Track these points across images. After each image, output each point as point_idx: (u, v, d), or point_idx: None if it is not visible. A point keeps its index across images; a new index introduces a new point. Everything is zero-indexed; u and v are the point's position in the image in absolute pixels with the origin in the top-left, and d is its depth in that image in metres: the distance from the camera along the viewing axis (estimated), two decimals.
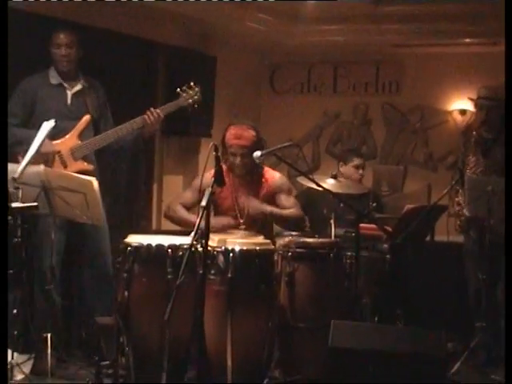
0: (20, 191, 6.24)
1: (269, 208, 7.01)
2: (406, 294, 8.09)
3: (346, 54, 10.82)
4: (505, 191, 4.73)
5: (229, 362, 6.16)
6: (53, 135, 7.00)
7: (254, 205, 6.93)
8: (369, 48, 10.60)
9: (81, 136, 7.25)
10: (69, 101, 7.41)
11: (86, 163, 7.22)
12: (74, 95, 7.42)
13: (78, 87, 7.44)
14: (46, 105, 7.30)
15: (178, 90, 7.29)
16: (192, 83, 7.37)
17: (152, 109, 7.28)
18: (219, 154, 6.07)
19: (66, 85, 7.41)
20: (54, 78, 7.39)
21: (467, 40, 10.20)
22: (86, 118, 7.29)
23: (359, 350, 5.87)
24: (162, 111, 7.28)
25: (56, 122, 6.67)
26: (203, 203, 5.95)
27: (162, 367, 6.16)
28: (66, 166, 7.08)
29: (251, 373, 6.20)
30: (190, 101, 7.32)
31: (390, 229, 7.82)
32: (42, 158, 6.94)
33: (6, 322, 4.79)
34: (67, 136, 7.21)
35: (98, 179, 6.90)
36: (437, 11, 9.47)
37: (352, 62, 11.00)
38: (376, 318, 7.63)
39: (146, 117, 7.26)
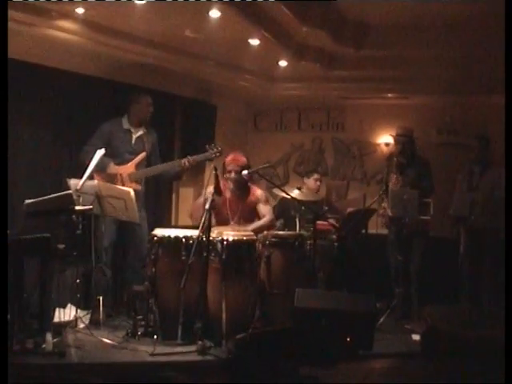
0: (80, 198, 6.30)
1: (253, 226, 7.08)
2: (348, 269, 8.09)
3: (307, 103, 10.80)
4: (505, 192, 4.63)
5: (223, 317, 6.22)
6: (119, 162, 7.35)
7: (246, 227, 6.98)
8: (322, 99, 10.60)
9: (137, 166, 7.39)
10: (133, 141, 7.53)
11: (138, 185, 7.30)
12: (137, 138, 7.53)
13: (140, 132, 7.56)
14: (117, 142, 7.44)
15: (207, 146, 7.34)
16: (218, 145, 7.43)
17: (188, 156, 7.38)
18: (217, 172, 6.43)
19: (132, 130, 7.53)
20: (126, 124, 7.52)
21: (389, 95, 10.22)
22: (143, 154, 7.45)
23: (315, 309, 5.91)
24: (195, 159, 7.34)
25: (106, 150, 6.86)
26: (207, 207, 6.06)
27: (178, 320, 6.23)
28: (123, 185, 7.14)
29: (239, 324, 6.20)
30: (214, 156, 7.36)
31: (337, 225, 7.85)
32: (109, 176, 7.21)
33: (7, 321, 4.74)
34: (128, 164, 7.36)
35: (144, 195, 7.50)
36: (369, 75, 9.51)
37: (311, 108, 10.95)
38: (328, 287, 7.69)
39: (184, 161, 7.35)
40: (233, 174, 7.09)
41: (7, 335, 4.82)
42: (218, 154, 7.39)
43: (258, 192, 7.33)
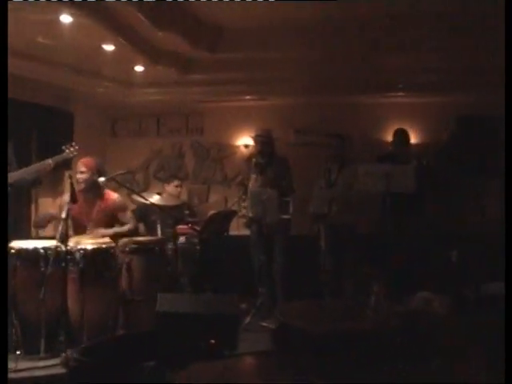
0: None
1: (112, 230, 6.94)
2: (212, 272, 8.11)
3: (165, 108, 10.80)
4: (505, 191, 4.58)
5: (85, 326, 6.09)
6: None
7: (102, 232, 6.86)
8: (181, 104, 10.62)
9: None
10: None
11: None
12: None
13: None
14: None
15: (63, 147, 7.10)
16: (73, 143, 7.20)
17: (47, 159, 7.15)
18: (73, 180, 6.32)
19: None
20: None
21: (247, 97, 10.33)
22: None
23: (178, 313, 5.86)
24: (53, 161, 7.11)
25: None
26: (63, 216, 5.94)
27: (40, 333, 6.05)
28: None
29: (101, 333, 6.10)
30: (71, 155, 7.18)
31: (198, 228, 7.85)
32: None
33: (6, 322, 4.58)
34: None
35: None
36: (226, 78, 9.55)
37: (169, 113, 10.95)
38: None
39: (41, 164, 7.13)
40: (78, 175, 7.02)
41: (7, 336, 4.60)
42: (75, 153, 7.24)
43: (115, 197, 7.22)
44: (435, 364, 3.94)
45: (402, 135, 8.54)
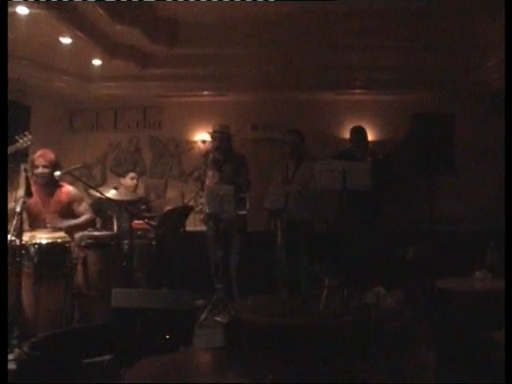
0: None
1: (70, 221, 6.93)
2: (168, 267, 8.12)
3: (123, 102, 10.75)
4: (505, 191, 4.52)
5: (40, 321, 6.07)
6: None
7: (59, 222, 6.84)
8: (138, 98, 10.58)
9: None
10: None
11: None
12: None
13: None
14: None
15: (16, 137, 7.05)
16: (26, 132, 7.16)
17: None
18: (28, 174, 6.22)
19: None
20: None
21: (205, 93, 10.34)
22: None
23: (133, 308, 5.86)
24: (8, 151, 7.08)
25: None
26: (18, 210, 5.89)
27: None
28: None
29: (57, 326, 6.07)
30: (25, 145, 7.14)
31: (154, 223, 7.85)
32: None
33: (6, 321, 4.56)
34: None
35: None
36: (184, 73, 9.55)
37: (127, 107, 10.90)
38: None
39: None
40: (40, 169, 6.97)
41: (7, 336, 4.56)
42: (29, 142, 7.20)
43: (69, 189, 7.20)
44: (385, 359, 4.01)
45: (359, 132, 8.61)
